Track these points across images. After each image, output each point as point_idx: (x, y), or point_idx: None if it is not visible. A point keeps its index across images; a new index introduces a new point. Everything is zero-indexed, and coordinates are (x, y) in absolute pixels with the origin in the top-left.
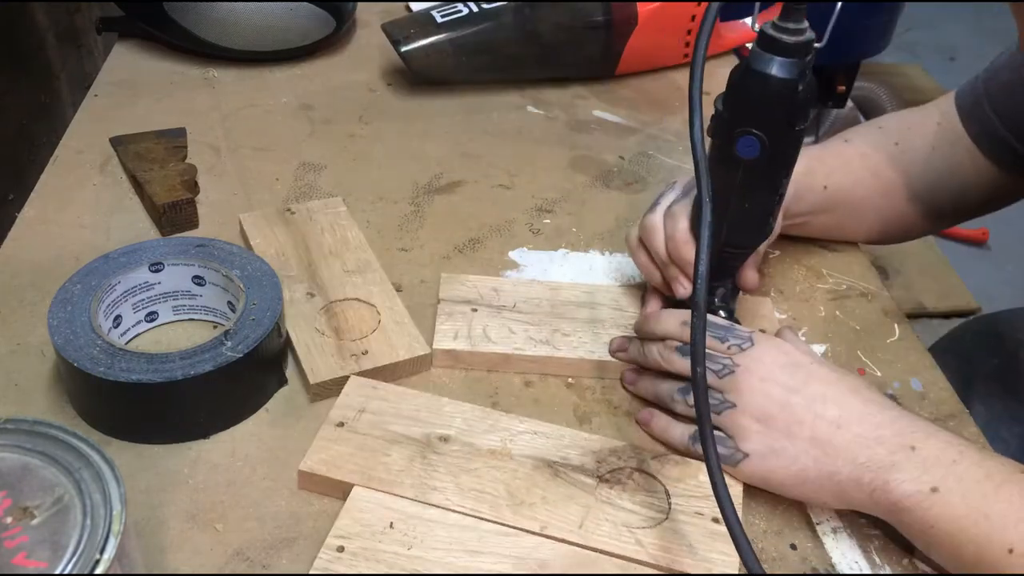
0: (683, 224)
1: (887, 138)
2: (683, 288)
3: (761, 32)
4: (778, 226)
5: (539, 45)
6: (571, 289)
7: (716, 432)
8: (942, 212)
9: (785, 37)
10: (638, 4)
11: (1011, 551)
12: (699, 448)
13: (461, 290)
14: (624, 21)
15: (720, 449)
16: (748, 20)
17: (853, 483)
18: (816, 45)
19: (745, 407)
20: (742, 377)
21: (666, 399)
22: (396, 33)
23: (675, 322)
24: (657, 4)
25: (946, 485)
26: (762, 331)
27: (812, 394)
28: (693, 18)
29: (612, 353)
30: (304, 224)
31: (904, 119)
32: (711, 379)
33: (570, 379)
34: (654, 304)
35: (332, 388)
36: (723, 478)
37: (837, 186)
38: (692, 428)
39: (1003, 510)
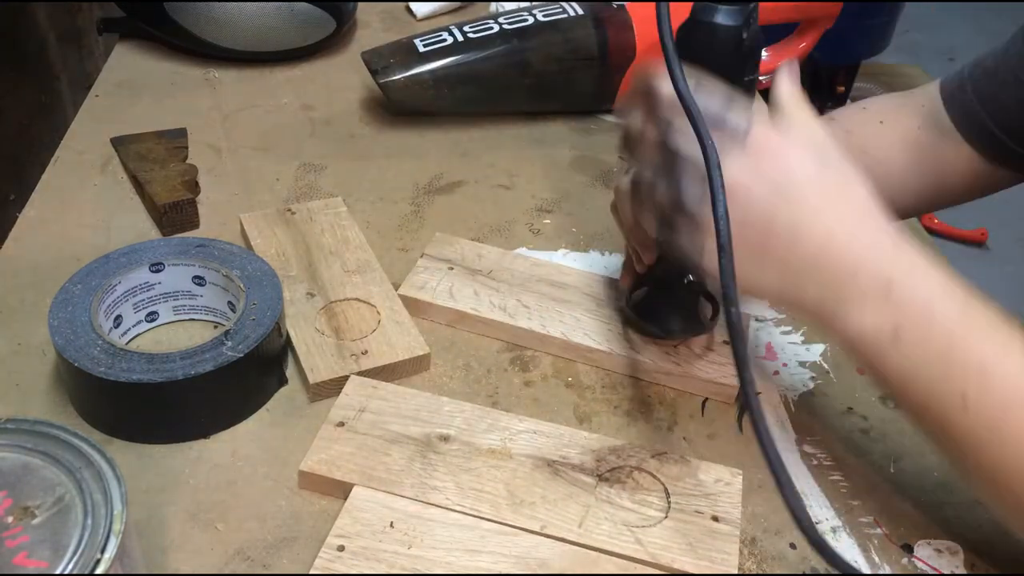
0: (624, 184)
1: (872, 117)
2: (647, 258)
3: None
4: None
5: (529, 77)
6: (551, 268)
7: (685, 219)
8: (923, 194)
9: None
10: (636, 35)
11: (964, 398)
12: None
13: (447, 250)
14: (620, 53)
15: (685, 241)
16: None
17: (816, 307)
18: None
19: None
20: (726, 180)
21: (636, 186)
22: (375, 63)
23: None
24: (656, 34)
25: (910, 328)
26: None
27: (798, 214)
28: None
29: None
30: (304, 224)
31: (889, 100)
32: (698, 172)
33: (569, 378)
34: (626, 277)
35: (332, 388)
36: (772, 439)
37: None
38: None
39: (965, 357)
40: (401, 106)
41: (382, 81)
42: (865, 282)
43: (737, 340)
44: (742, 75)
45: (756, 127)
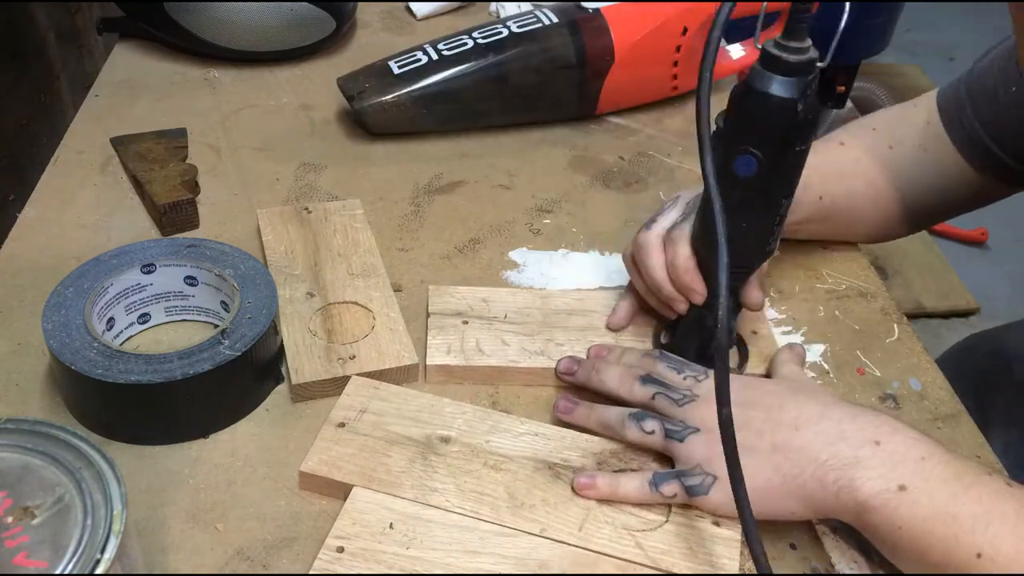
0: (684, 250)
1: (880, 141)
2: (682, 306)
3: (762, 50)
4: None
5: (508, 90)
6: (561, 297)
7: (655, 414)
8: (928, 212)
9: (786, 55)
10: (614, 39)
11: (979, 555)
12: (646, 425)
13: (451, 302)
14: (599, 58)
15: (688, 481)
16: (731, 48)
17: (818, 483)
18: (819, 65)
19: (708, 431)
20: (702, 403)
21: (615, 425)
22: (350, 88)
23: (636, 353)
24: (635, 37)
25: (914, 483)
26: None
27: (769, 404)
28: (678, 49)
29: (559, 375)
30: (318, 224)
31: (894, 119)
32: (671, 408)
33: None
34: (624, 310)
35: (315, 390)
36: (755, 524)
37: (832, 197)
38: (647, 474)
39: (972, 511)
40: (381, 129)
41: (358, 107)
42: (855, 441)
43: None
44: (793, 146)
45: (707, 374)
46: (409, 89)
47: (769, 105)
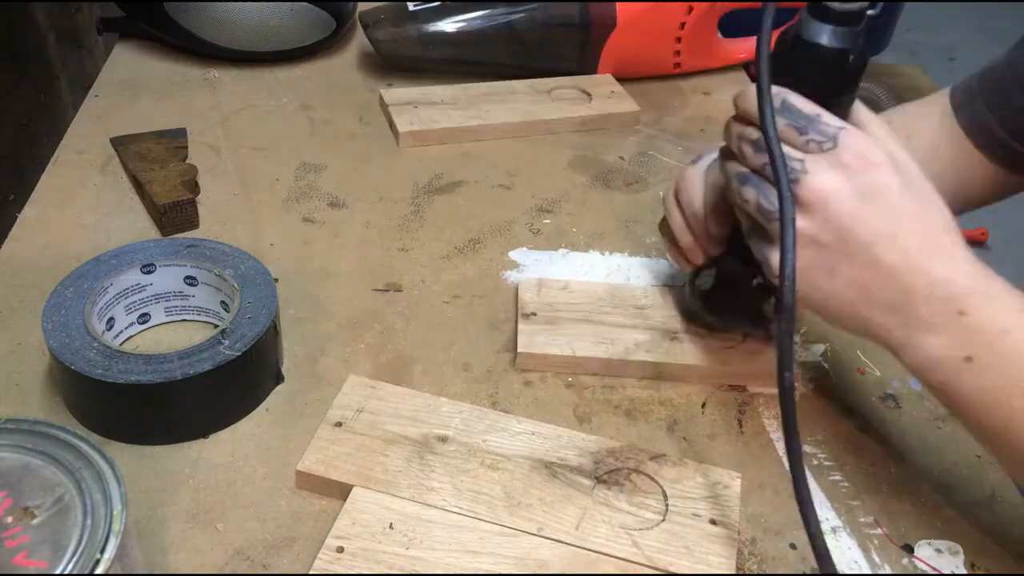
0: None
1: (898, 133)
2: (701, 255)
3: None
4: None
5: (513, 41)
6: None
7: (762, 181)
8: (948, 205)
9: (837, 4)
10: (617, 5)
11: None
12: (746, 191)
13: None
14: (601, 22)
15: (763, 202)
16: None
17: (884, 331)
18: (870, 12)
19: (807, 222)
20: (810, 188)
21: (727, 178)
22: (367, 18)
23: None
24: (639, 7)
25: (984, 356)
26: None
27: (880, 228)
28: (682, 26)
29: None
30: None
31: (910, 115)
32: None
33: (569, 379)
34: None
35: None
36: (803, 469)
37: None
38: (743, 168)
39: None
40: (390, 61)
41: (371, 35)
42: (937, 307)
43: (788, 403)
44: (841, 96)
45: (846, 135)
46: (420, 26)
47: (820, 55)
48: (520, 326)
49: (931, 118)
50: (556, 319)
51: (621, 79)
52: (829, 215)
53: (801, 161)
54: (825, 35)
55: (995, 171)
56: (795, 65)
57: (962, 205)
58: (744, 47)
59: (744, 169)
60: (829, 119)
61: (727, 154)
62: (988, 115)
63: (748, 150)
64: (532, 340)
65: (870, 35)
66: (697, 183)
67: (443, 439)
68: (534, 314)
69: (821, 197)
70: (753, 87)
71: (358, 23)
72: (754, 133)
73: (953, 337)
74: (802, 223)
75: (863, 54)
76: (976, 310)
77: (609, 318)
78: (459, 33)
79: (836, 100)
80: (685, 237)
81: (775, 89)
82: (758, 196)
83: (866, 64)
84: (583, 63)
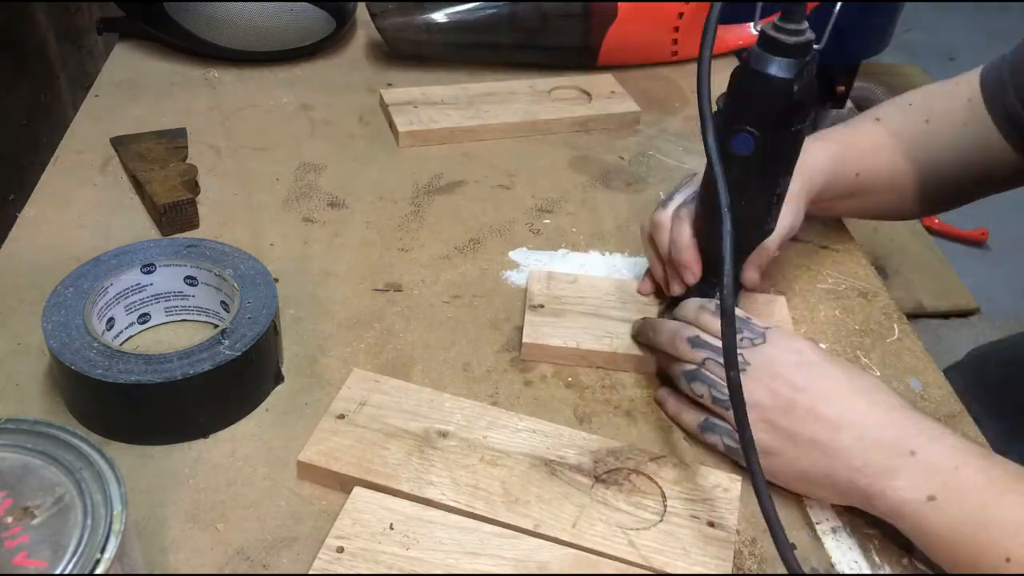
0: (687, 230)
1: (917, 115)
2: (677, 288)
3: (761, 32)
4: (790, 225)
5: (517, 30)
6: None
7: (721, 423)
8: (964, 190)
9: (784, 37)
10: None
11: (1008, 560)
12: (709, 437)
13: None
14: (603, 13)
15: (727, 440)
16: (750, 24)
17: (850, 486)
18: (815, 47)
19: (752, 405)
20: (752, 375)
21: (676, 380)
22: (375, 7)
23: (692, 308)
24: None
25: (944, 494)
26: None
27: (817, 393)
28: (681, 15)
29: (632, 337)
30: None
31: (933, 95)
32: (720, 374)
33: (569, 378)
34: (646, 286)
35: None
36: (768, 493)
37: (868, 173)
38: (702, 416)
39: (1003, 518)
40: (396, 49)
41: (379, 24)
42: (888, 451)
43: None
44: (789, 126)
45: (772, 332)
46: (426, 15)
47: (766, 85)
48: (527, 316)
49: (957, 99)
50: (563, 311)
51: (619, 67)
52: (774, 391)
53: (741, 355)
54: (774, 66)
55: (1020, 160)
56: (746, 94)
57: (985, 186)
58: (738, 34)
59: (690, 367)
60: (758, 321)
61: (666, 357)
62: (1018, 105)
63: (685, 348)
64: (538, 331)
65: (817, 69)
66: (666, 227)
67: (444, 434)
68: (541, 306)
69: (765, 380)
70: (689, 302)
71: (358, 23)
72: (689, 331)
73: (912, 476)
74: (753, 412)
75: (810, 85)
76: (924, 450)
77: (616, 313)
78: (464, 21)
79: (785, 129)
80: (659, 272)
81: (710, 301)
82: (709, 390)
83: (813, 95)
84: (584, 53)
